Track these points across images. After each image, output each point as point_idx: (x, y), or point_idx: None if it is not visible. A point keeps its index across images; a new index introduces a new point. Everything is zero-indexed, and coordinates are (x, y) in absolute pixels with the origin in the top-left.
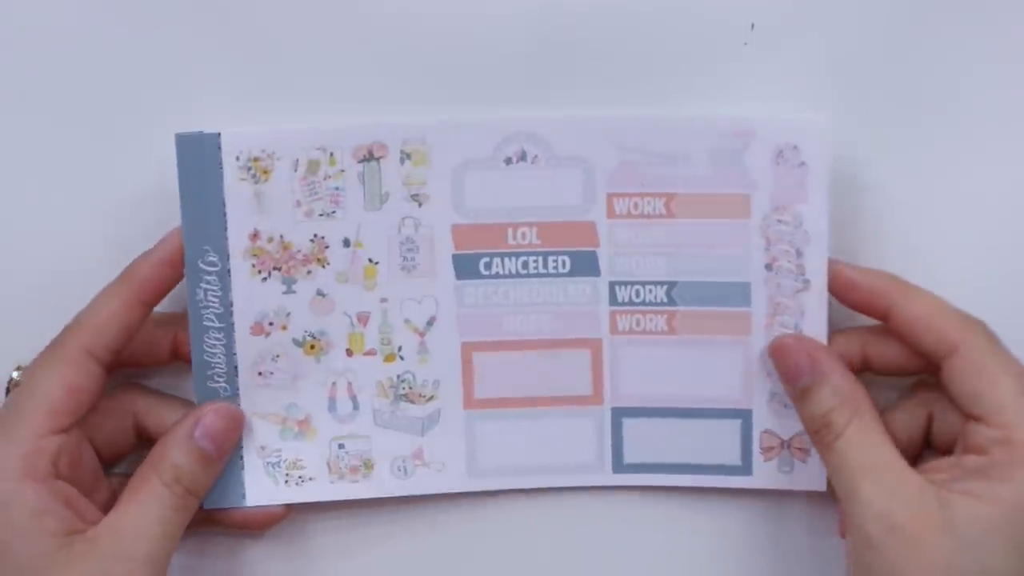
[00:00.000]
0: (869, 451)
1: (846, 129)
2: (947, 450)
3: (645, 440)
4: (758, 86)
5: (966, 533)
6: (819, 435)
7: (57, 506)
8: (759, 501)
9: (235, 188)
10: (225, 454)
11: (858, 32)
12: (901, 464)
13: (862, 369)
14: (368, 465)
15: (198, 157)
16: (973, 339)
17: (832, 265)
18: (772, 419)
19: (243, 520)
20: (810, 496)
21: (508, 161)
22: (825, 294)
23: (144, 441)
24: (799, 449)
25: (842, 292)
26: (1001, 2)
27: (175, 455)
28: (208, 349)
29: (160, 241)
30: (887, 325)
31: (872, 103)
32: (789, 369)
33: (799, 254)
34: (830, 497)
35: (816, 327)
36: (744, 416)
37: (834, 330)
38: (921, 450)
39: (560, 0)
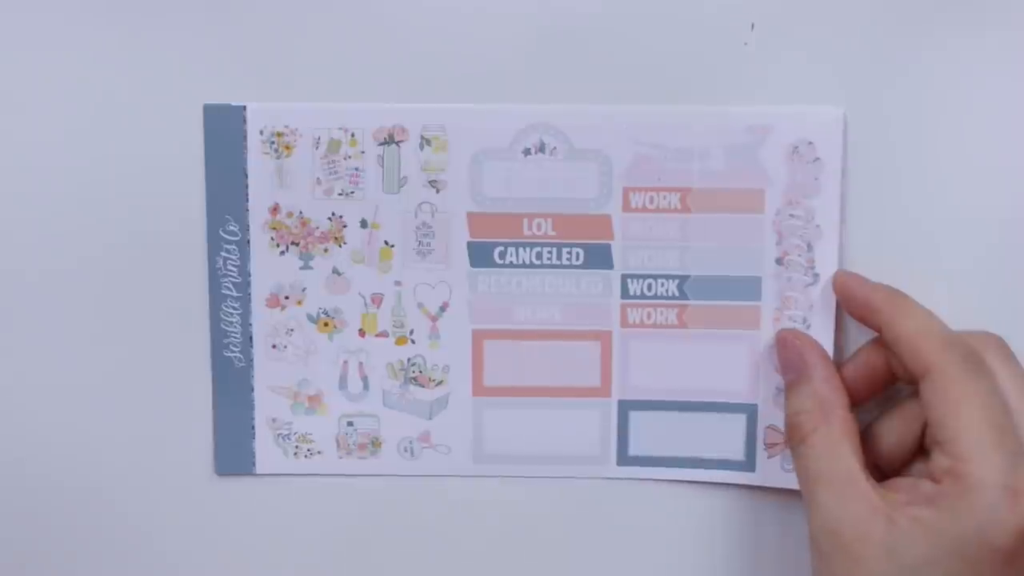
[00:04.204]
0: (829, 461)
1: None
2: None
3: (650, 433)
4: (759, 86)
5: (906, 561)
6: (789, 435)
7: None
8: (762, 495)
9: (258, 161)
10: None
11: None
12: (860, 479)
13: (889, 379)
14: (376, 443)
15: (224, 128)
16: (946, 364)
17: (836, 274)
18: (777, 414)
19: None
20: None
21: (526, 152)
22: None
23: None
24: None
25: (841, 301)
26: None
27: None
28: (224, 318)
29: None
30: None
31: (871, 103)
32: (782, 363)
33: (810, 248)
34: None
35: (823, 321)
36: (750, 411)
37: (871, 339)
38: (914, 456)
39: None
